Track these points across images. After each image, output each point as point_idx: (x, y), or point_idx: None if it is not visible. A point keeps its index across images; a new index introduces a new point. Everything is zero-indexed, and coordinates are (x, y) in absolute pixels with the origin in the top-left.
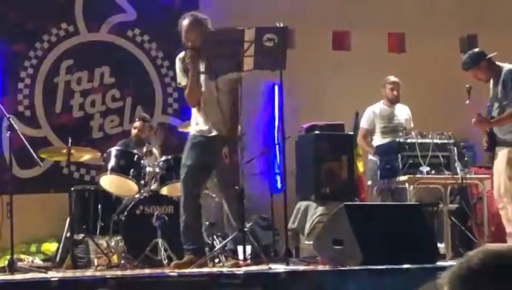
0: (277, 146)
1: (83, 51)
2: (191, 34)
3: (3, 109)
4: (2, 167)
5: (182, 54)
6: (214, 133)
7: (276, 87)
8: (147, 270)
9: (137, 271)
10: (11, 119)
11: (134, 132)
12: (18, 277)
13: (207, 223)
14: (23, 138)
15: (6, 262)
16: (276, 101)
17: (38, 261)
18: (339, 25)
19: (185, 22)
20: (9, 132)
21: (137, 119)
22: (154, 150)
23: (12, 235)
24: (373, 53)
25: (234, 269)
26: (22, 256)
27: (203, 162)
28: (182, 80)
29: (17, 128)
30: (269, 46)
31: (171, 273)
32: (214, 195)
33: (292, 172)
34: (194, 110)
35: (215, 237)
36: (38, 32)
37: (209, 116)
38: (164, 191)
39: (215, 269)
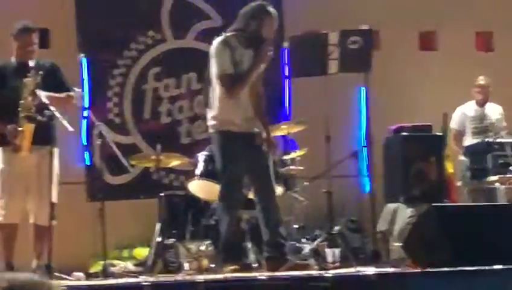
0: (365, 148)
1: (170, 58)
2: (275, 27)
3: (93, 117)
4: (93, 174)
5: (225, 39)
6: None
7: (363, 89)
8: (237, 274)
9: (227, 275)
10: (101, 127)
11: None
12: (112, 281)
13: (295, 226)
14: (113, 145)
15: (100, 267)
16: (363, 103)
17: (130, 266)
18: (426, 25)
19: (276, 14)
20: (99, 140)
21: None
22: None
23: (104, 241)
24: (461, 52)
25: (323, 272)
26: (115, 261)
27: None
28: (229, 68)
29: (107, 135)
30: (354, 49)
31: (260, 277)
32: (301, 198)
33: (380, 174)
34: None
35: (303, 240)
36: (126, 41)
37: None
38: (252, 195)
39: (304, 272)
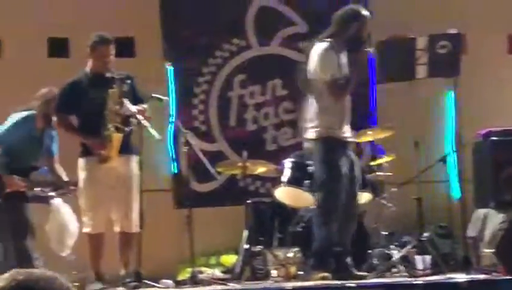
0: (454, 153)
1: (255, 65)
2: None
3: (179, 125)
4: (180, 181)
5: (330, 44)
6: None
7: (451, 94)
8: (325, 281)
9: (316, 282)
10: (187, 134)
11: None
12: (199, 289)
13: (384, 233)
14: (199, 153)
15: (188, 274)
16: (451, 108)
17: (218, 273)
18: None
19: (369, 16)
20: (186, 147)
21: None
22: None
23: (192, 248)
24: None
25: (413, 279)
26: (203, 268)
27: None
28: (337, 73)
29: (193, 143)
30: (443, 53)
31: (350, 284)
32: (389, 204)
33: (470, 179)
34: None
35: (392, 246)
36: (211, 48)
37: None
38: None
39: (394, 280)
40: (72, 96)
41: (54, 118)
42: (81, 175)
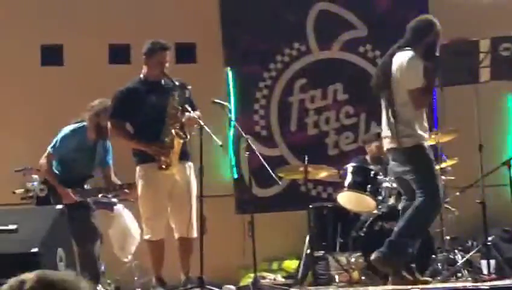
0: None
1: (316, 69)
2: None
3: (241, 130)
4: (242, 187)
5: (416, 54)
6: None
7: None
8: (389, 286)
9: (379, 287)
10: (248, 140)
11: (372, 149)
12: None
13: (447, 237)
14: (261, 158)
15: (250, 280)
16: None
17: (280, 278)
18: None
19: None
20: (247, 153)
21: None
22: (389, 165)
23: (254, 254)
24: None
25: (479, 284)
26: (265, 274)
27: None
28: (422, 82)
29: (255, 148)
30: (506, 56)
31: (414, 289)
32: (453, 209)
33: None
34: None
35: (456, 251)
36: (272, 53)
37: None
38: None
39: (459, 284)
40: (127, 103)
41: (108, 128)
42: (140, 183)
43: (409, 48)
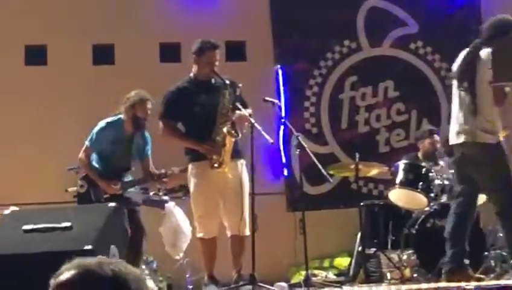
0: None
1: (367, 67)
2: None
3: (291, 128)
4: (293, 184)
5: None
6: None
7: None
8: (441, 284)
9: (432, 285)
10: (299, 137)
11: (425, 146)
12: None
13: (500, 234)
14: (312, 156)
15: (302, 277)
16: None
17: (331, 276)
18: None
19: None
20: (298, 150)
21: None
22: (441, 162)
23: (306, 251)
24: None
25: None
26: (316, 271)
27: None
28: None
29: (305, 146)
30: None
31: (467, 287)
32: None
33: None
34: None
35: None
36: (322, 51)
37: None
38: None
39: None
40: (178, 103)
41: (143, 121)
42: (193, 180)
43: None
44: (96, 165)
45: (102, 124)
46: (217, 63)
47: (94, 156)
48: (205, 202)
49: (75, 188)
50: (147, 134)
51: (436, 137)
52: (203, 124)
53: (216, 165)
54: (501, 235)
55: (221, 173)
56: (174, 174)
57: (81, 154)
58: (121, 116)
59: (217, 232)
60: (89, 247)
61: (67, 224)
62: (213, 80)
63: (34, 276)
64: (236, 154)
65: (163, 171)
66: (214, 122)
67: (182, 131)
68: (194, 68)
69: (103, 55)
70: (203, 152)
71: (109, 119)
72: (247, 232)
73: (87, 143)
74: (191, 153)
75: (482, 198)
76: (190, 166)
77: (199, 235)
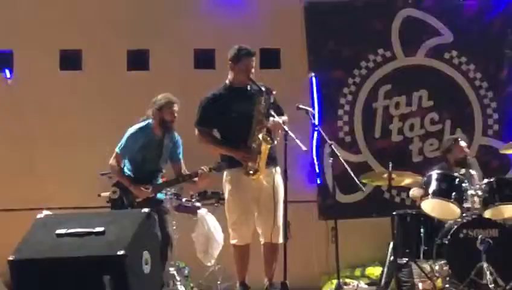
0: None
1: (401, 76)
2: None
3: (325, 136)
4: (325, 193)
5: None
6: None
7: None
8: None
9: None
10: (332, 146)
11: (455, 154)
12: None
13: None
14: (345, 164)
15: (333, 286)
16: None
17: (363, 285)
18: None
19: None
20: (331, 159)
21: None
22: (473, 172)
23: (337, 260)
24: None
25: None
26: (347, 280)
27: None
28: None
29: (338, 154)
30: None
31: None
32: None
33: None
34: None
35: None
36: (356, 59)
37: None
38: (487, 214)
39: None
40: (214, 110)
41: (171, 123)
42: (227, 187)
43: None
44: (128, 172)
45: (131, 130)
46: (252, 70)
47: (126, 162)
48: (239, 208)
49: (107, 193)
50: (177, 137)
51: (463, 143)
52: (239, 131)
53: (251, 172)
54: None
55: (256, 180)
56: (204, 173)
57: (112, 161)
58: (150, 120)
59: (250, 239)
60: (122, 252)
61: (101, 229)
62: (248, 87)
63: (66, 281)
64: (271, 161)
65: (191, 173)
66: (249, 129)
67: (217, 137)
68: (230, 75)
69: (138, 61)
70: (239, 159)
71: (139, 125)
72: (280, 240)
73: (117, 150)
74: (227, 160)
75: None
76: (225, 172)
77: (233, 241)
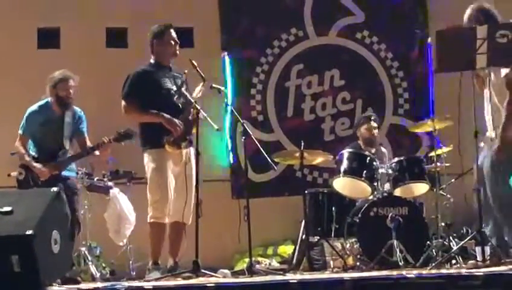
0: None
1: (313, 55)
2: None
3: (237, 115)
4: (237, 172)
5: None
6: None
7: None
8: (384, 272)
9: (374, 273)
10: (245, 124)
11: (362, 133)
12: (257, 279)
13: (442, 223)
14: (257, 143)
15: (245, 265)
16: None
17: (275, 263)
18: None
19: None
20: (243, 137)
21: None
22: (384, 150)
23: (249, 239)
24: None
25: (473, 270)
26: (260, 259)
27: None
28: None
29: (251, 133)
30: (503, 43)
31: (408, 275)
32: (448, 195)
33: None
34: None
35: (451, 237)
36: (269, 39)
37: None
38: (397, 192)
39: (453, 271)
40: (143, 85)
41: (68, 99)
42: (151, 166)
43: None
44: (32, 151)
45: (30, 109)
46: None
47: (30, 142)
48: (163, 187)
49: (16, 173)
50: (79, 112)
51: (373, 123)
52: (168, 107)
53: (181, 143)
54: (443, 224)
55: (176, 160)
56: (105, 143)
57: (17, 142)
58: (49, 98)
59: (167, 218)
60: (31, 232)
61: (8, 209)
62: (171, 66)
63: None
64: (189, 141)
65: (93, 145)
66: (176, 107)
67: (144, 107)
68: (155, 55)
69: (48, 39)
70: (166, 124)
71: (37, 104)
72: (190, 220)
73: (19, 131)
74: (149, 142)
75: (424, 188)
76: (148, 151)
77: (151, 220)
